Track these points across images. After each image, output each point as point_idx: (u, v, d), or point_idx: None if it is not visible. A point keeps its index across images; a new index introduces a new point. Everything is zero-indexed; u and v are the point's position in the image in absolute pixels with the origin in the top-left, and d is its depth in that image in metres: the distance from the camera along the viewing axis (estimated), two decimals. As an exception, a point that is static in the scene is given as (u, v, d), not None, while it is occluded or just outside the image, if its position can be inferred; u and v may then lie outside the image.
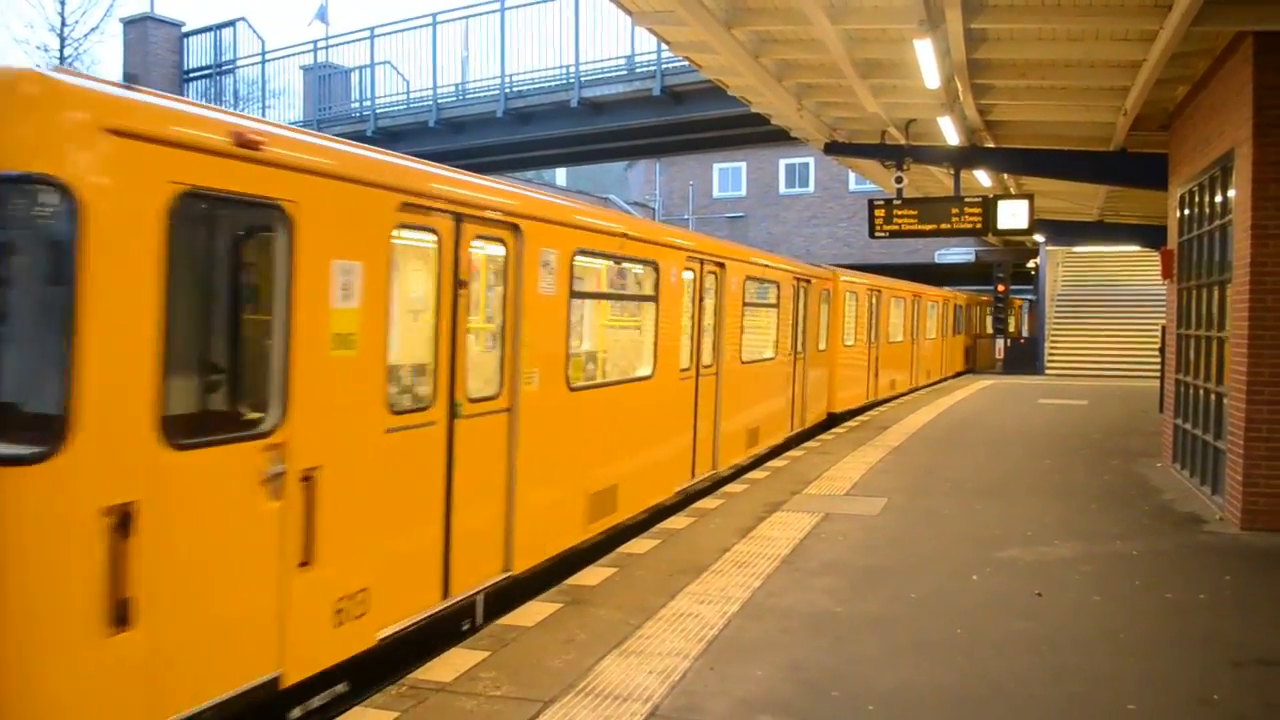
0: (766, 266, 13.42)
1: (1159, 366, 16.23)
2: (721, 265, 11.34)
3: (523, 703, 4.97)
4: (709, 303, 11.15)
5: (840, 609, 6.64)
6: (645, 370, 9.52)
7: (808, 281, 15.49)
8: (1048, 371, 30.83)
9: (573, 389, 7.80)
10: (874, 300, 20.85)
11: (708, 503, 10.13)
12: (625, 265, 9.43)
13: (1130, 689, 5.35)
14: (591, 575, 7.32)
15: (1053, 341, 31.92)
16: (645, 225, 11.46)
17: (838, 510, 9.80)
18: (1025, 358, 32.39)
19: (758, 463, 12.81)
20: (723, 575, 7.36)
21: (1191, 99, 11.47)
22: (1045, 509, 10.10)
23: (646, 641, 5.90)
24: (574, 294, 7.75)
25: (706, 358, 11.08)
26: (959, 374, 31.44)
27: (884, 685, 5.34)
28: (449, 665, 5.45)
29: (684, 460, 10.51)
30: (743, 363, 12.20)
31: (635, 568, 7.56)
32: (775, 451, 13.89)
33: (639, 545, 8.27)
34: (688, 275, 10.38)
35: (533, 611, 6.43)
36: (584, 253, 7.92)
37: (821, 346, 16.62)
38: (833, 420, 17.43)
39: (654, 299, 9.55)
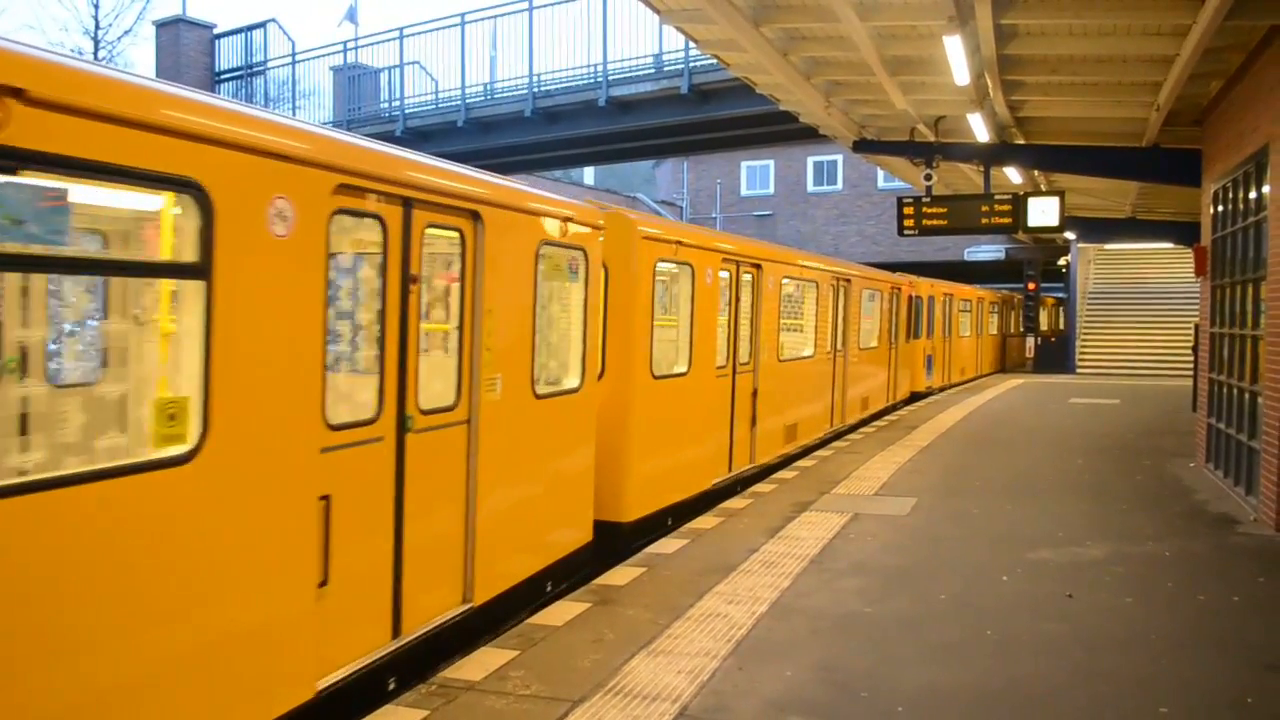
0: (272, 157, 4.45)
1: (1192, 365, 16.03)
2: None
3: (552, 702, 5.00)
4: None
5: (869, 609, 6.63)
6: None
7: (509, 219, 6.42)
8: (1079, 370, 30.52)
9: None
10: (745, 284, 11.47)
11: (736, 503, 10.13)
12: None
13: (1162, 691, 5.31)
14: (619, 575, 7.34)
15: (1084, 340, 31.59)
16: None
17: (867, 510, 9.77)
18: (1056, 357, 32.07)
19: None
20: (751, 575, 7.37)
21: (1225, 94, 11.32)
22: (1076, 509, 10.02)
23: (675, 641, 5.91)
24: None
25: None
26: (915, 396, 22.23)
27: (913, 686, 5.33)
28: (478, 664, 5.49)
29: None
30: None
31: (663, 568, 7.58)
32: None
33: (667, 545, 8.28)
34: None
35: (561, 611, 6.46)
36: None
37: (570, 384, 7.50)
38: (615, 549, 8.16)
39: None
